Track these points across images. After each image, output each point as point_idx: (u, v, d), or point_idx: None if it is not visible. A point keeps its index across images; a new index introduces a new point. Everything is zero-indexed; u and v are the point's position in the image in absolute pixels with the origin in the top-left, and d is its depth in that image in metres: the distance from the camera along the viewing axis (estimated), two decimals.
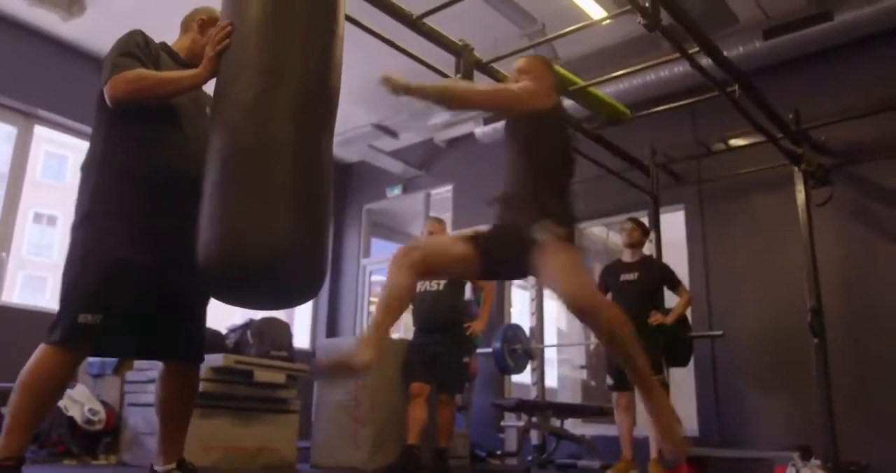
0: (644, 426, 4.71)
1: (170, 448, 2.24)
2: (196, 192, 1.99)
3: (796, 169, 4.89)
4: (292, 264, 1.91)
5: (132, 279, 2.04)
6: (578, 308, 2.31)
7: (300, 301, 2.13)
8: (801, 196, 4.85)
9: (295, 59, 1.99)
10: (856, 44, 5.07)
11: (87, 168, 2.16)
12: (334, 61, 2.09)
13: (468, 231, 2.67)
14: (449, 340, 4.65)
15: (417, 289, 4.78)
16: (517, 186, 2.65)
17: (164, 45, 2.33)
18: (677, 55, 3.98)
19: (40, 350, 2.00)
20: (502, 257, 2.49)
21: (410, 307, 4.94)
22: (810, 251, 4.70)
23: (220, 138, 1.97)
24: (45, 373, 1.97)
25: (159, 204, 2.12)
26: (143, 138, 2.14)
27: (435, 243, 2.60)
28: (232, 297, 2.02)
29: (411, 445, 4.38)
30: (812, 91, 5.27)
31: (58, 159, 20.19)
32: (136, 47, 2.15)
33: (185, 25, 2.41)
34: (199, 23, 2.36)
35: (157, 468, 2.24)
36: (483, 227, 2.65)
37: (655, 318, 4.57)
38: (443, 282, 4.76)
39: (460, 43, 3.91)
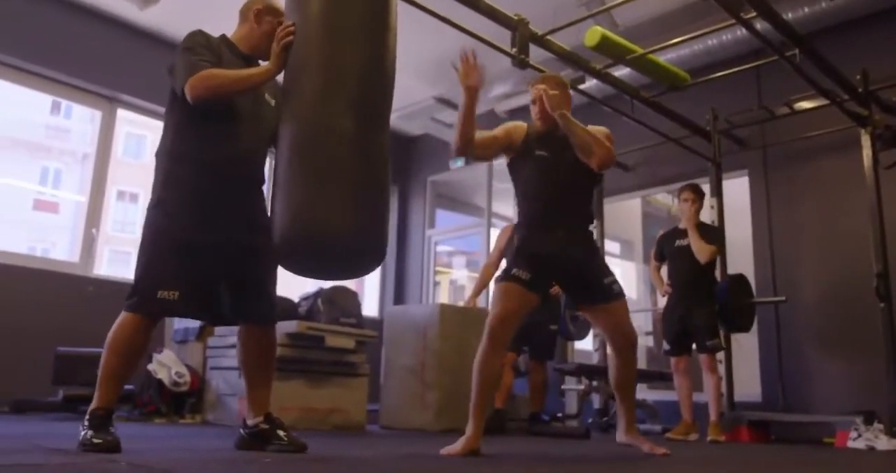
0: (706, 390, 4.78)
1: (257, 403, 2.46)
2: (254, 175, 2.23)
3: (863, 131, 4.79)
4: (352, 243, 2.12)
5: (201, 257, 2.26)
6: (632, 344, 2.92)
7: (361, 274, 2.34)
8: (867, 158, 4.75)
9: (351, 55, 2.16)
10: None
11: (160, 156, 2.37)
12: (388, 55, 2.25)
13: (516, 279, 2.81)
14: (539, 309, 4.89)
15: None
16: (583, 228, 2.99)
17: (223, 39, 2.48)
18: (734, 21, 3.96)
19: (122, 316, 2.24)
20: (568, 284, 2.99)
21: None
22: (877, 214, 4.62)
23: (287, 129, 2.17)
24: (127, 336, 2.21)
25: (223, 187, 2.32)
26: (208, 128, 2.33)
27: (512, 309, 2.83)
28: (303, 271, 2.25)
29: (500, 409, 4.78)
30: (881, 50, 5.12)
31: (137, 139, 21.06)
32: (201, 47, 2.32)
33: (243, 15, 2.55)
34: (255, 12, 2.50)
35: (248, 421, 2.47)
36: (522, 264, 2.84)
37: None
38: None
39: (516, 17, 3.99)
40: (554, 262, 2.85)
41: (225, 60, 2.37)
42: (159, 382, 4.44)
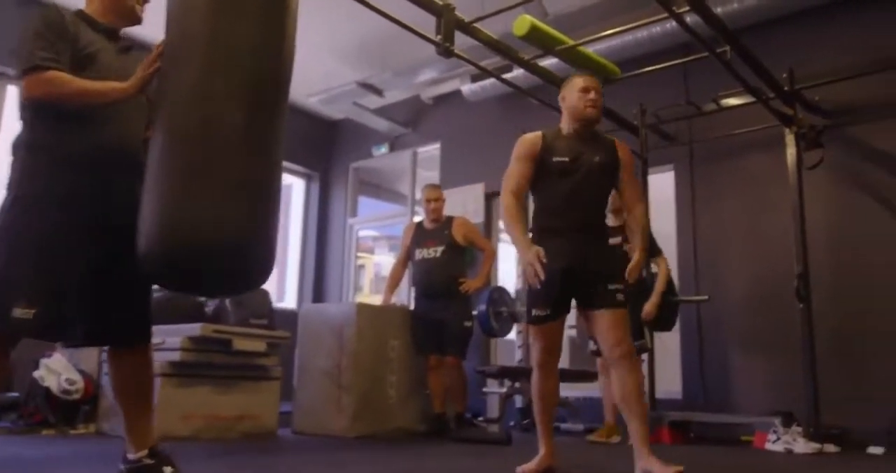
0: None
1: (138, 435, 2.13)
2: (133, 172, 1.92)
3: (787, 130, 4.77)
4: (230, 257, 1.83)
5: (62, 266, 1.94)
6: (619, 355, 2.76)
7: (239, 292, 2.06)
8: (791, 158, 4.75)
9: (240, 38, 1.87)
10: (856, 0, 4.90)
11: (17, 148, 2.03)
12: (286, 35, 1.96)
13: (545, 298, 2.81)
14: (450, 306, 4.76)
15: (416, 257, 4.85)
16: (604, 230, 2.99)
17: (80, 13, 2.15)
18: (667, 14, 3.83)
19: None
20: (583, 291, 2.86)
21: (410, 274, 5.01)
22: (799, 215, 4.62)
23: (163, 117, 1.86)
24: None
25: (93, 185, 2.01)
26: (76, 117, 2.00)
27: (552, 342, 2.89)
28: (175, 287, 1.97)
29: (442, 413, 4.73)
30: (809, 49, 5.10)
31: None
32: (52, 33, 1.99)
33: None
34: None
35: (129, 456, 2.14)
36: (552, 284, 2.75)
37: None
38: (440, 249, 4.82)
39: (441, 3, 3.75)
40: (563, 276, 2.78)
41: (82, 39, 2.05)
42: (46, 390, 4.05)
